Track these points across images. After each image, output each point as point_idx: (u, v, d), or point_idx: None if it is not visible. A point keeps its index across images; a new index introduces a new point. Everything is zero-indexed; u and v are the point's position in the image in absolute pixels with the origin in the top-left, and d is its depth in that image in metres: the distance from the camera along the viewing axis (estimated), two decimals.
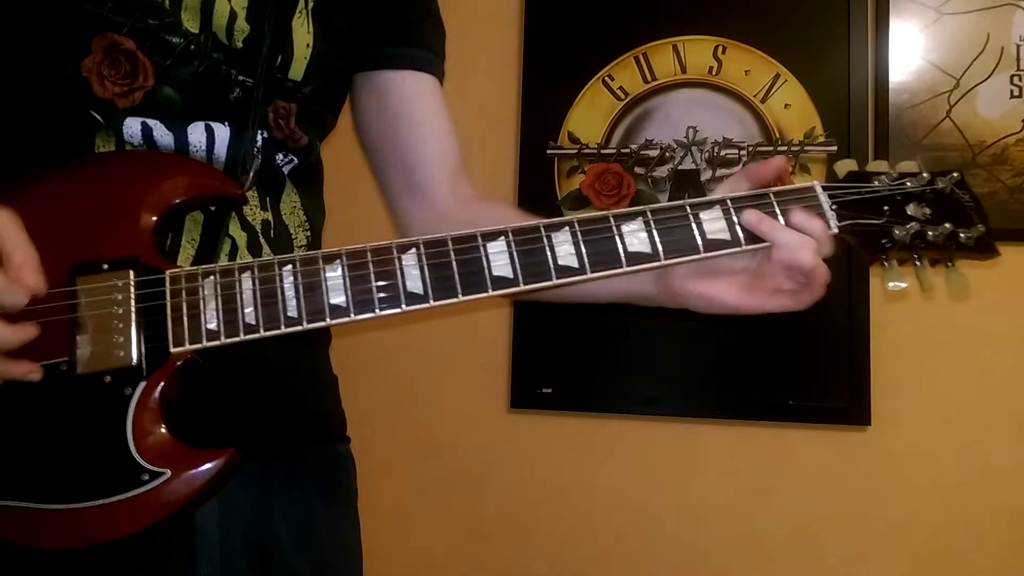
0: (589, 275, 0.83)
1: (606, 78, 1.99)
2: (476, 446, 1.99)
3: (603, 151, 1.97)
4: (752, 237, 0.85)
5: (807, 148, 1.90)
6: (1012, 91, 1.83)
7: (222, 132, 0.89)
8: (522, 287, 0.82)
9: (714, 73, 1.95)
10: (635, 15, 1.99)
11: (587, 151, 1.98)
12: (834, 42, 1.91)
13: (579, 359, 1.95)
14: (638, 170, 1.96)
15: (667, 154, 1.95)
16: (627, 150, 1.96)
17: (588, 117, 1.98)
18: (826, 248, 0.85)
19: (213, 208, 0.88)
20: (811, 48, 1.92)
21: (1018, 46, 1.84)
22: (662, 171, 1.95)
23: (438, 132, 1.06)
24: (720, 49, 1.95)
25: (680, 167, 1.94)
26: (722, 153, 1.93)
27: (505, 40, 2.05)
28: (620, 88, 1.98)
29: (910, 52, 1.88)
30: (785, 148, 1.90)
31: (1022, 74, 1.83)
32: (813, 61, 1.91)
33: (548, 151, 1.99)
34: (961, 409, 1.82)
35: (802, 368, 1.86)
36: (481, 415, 2.00)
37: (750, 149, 1.92)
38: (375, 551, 1.98)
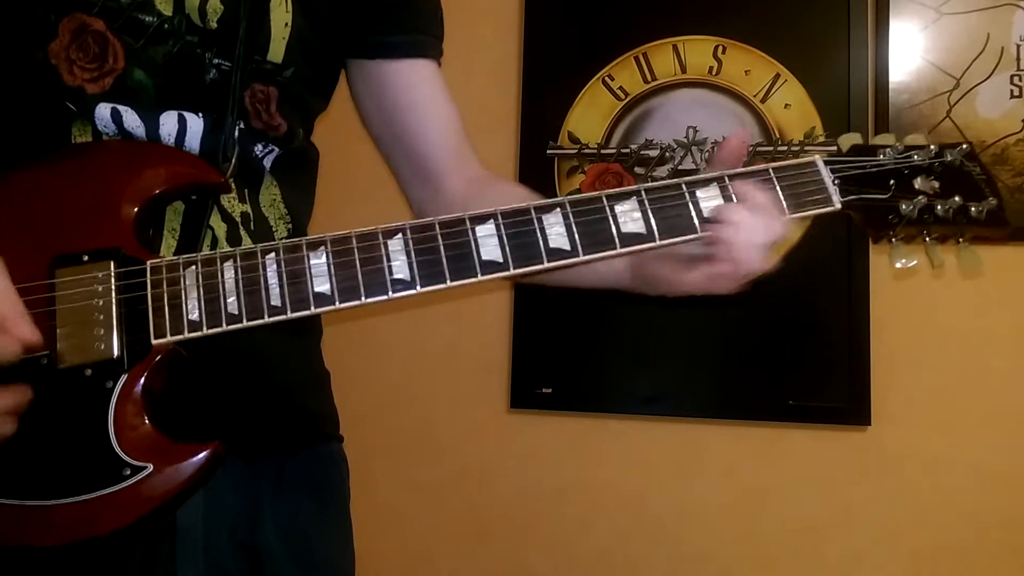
0: (581, 258, 0.80)
1: (606, 78, 1.99)
2: (476, 446, 1.99)
3: (603, 151, 1.97)
4: None
5: (807, 148, 1.90)
6: (1012, 91, 1.83)
7: (195, 123, 0.87)
8: (512, 271, 0.80)
9: (714, 73, 1.95)
10: (635, 15, 1.99)
11: (587, 151, 1.98)
12: (834, 42, 1.91)
13: (579, 359, 1.95)
14: (638, 170, 1.96)
15: (667, 154, 1.95)
16: (627, 150, 1.96)
17: (588, 117, 1.98)
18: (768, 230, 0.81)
19: (194, 197, 0.86)
20: (811, 48, 1.92)
21: (1018, 46, 1.84)
22: (662, 171, 1.95)
23: (437, 119, 1.04)
24: (720, 49, 1.95)
25: (680, 167, 1.94)
26: None
27: (505, 40, 2.05)
28: (620, 88, 1.98)
29: (910, 52, 1.88)
30: (785, 148, 1.90)
31: (1022, 74, 1.83)
32: (813, 61, 1.91)
33: (548, 151, 1.99)
34: (961, 409, 1.82)
35: (802, 368, 1.86)
36: (481, 415, 1.99)
37: (750, 149, 1.92)
38: (374, 551, 1.99)
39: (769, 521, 1.87)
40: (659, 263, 0.86)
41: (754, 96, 1.93)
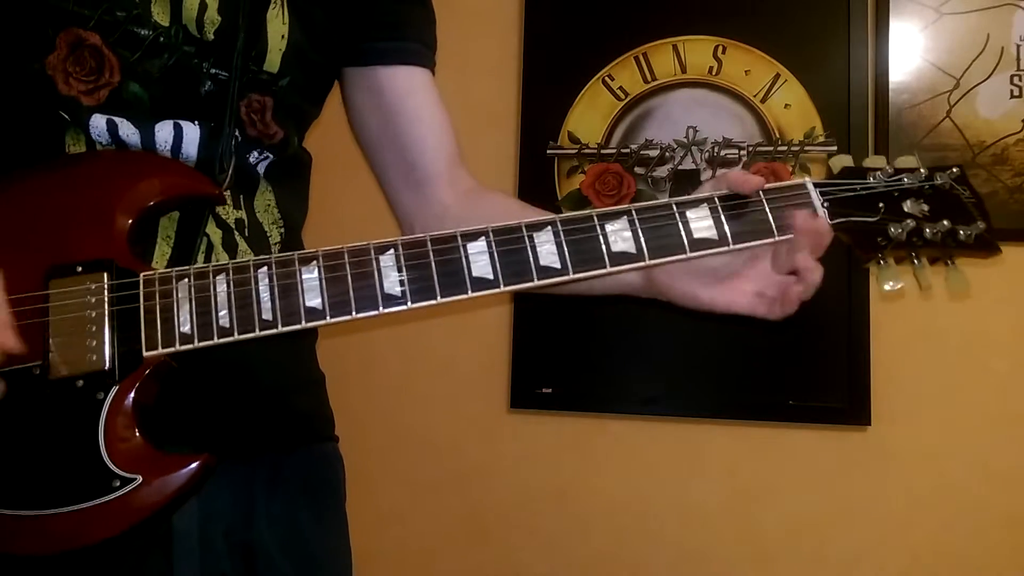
0: (571, 276, 0.81)
1: (606, 78, 1.99)
2: (476, 446, 1.99)
3: (603, 151, 1.97)
4: (739, 236, 0.83)
5: (807, 148, 1.90)
6: (1012, 91, 1.83)
7: (191, 131, 0.87)
8: (502, 289, 0.81)
9: (714, 73, 1.95)
10: (635, 15, 1.99)
11: (587, 151, 1.98)
12: (834, 42, 1.90)
13: (579, 359, 1.95)
14: (638, 170, 1.96)
15: (667, 154, 1.95)
16: (627, 150, 1.96)
17: (588, 117, 1.98)
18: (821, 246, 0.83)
19: (190, 207, 0.86)
20: (811, 48, 1.92)
21: (1018, 46, 1.84)
22: (662, 171, 1.95)
23: (433, 127, 1.04)
24: (720, 49, 1.95)
25: (680, 167, 1.94)
26: (722, 153, 1.92)
27: (505, 40, 2.05)
28: (620, 88, 1.98)
29: (910, 52, 1.88)
30: (785, 148, 1.90)
31: (1022, 74, 1.83)
32: (813, 61, 1.91)
33: (548, 151, 1.99)
34: (961, 409, 1.82)
35: (802, 368, 1.86)
36: (481, 415, 2.00)
37: (750, 149, 1.92)
38: (374, 551, 1.99)
39: (769, 521, 1.87)
40: (677, 278, 0.86)
41: (754, 96, 1.93)
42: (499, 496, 1.97)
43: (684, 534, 1.90)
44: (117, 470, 0.74)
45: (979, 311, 1.82)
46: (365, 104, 1.04)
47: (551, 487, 1.95)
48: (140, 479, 0.74)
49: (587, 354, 1.95)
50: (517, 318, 1.98)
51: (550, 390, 1.95)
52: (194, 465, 0.76)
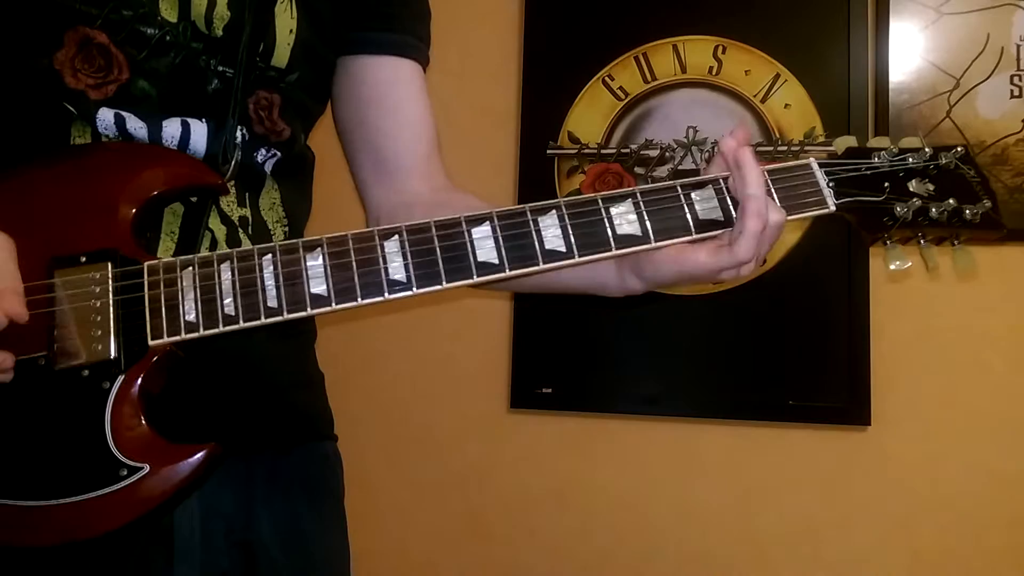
0: (577, 259, 0.81)
1: (606, 78, 1.99)
2: (476, 446, 1.99)
3: (603, 151, 1.97)
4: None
5: (807, 148, 1.90)
6: (1012, 91, 1.83)
7: (199, 128, 0.87)
8: (508, 273, 0.80)
9: (714, 73, 1.95)
10: (635, 15, 1.99)
11: (587, 151, 1.98)
12: (834, 42, 1.91)
13: (579, 359, 1.95)
14: (638, 170, 1.96)
15: (667, 154, 1.95)
16: (627, 150, 1.96)
17: (588, 117, 1.98)
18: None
19: (194, 200, 0.86)
20: (811, 48, 1.92)
21: (1018, 46, 1.84)
22: (662, 171, 1.95)
23: (410, 120, 1.03)
24: (720, 49, 1.95)
25: (680, 167, 1.94)
26: None
27: (505, 40, 2.05)
28: (620, 88, 1.98)
29: (910, 52, 1.88)
30: (785, 148, 1.90)
31: (1022, 74, 1.83)
32: (813, 61, 1.91)
33: (548, 151, 1.99)
34: (961, 409, 1.82)
35: (802, 368, 1.86)
36: (481, 415, 2.00)
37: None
38: (374, 550, 1.99)
39: (769, 521, 1.87)
40: (659, 263, 0.85)
41: (754, 96, 1.93)
42: (499, 496, 1.97)
43: (684, 534, 1.90)
44: (124, 459, 0.74)
45: (980, 311, 1.82)
46: (346, 92, 1.03)
47: (551, 487, 1.95)
48: (147, 468, 0.74)
49: (587, 354, 1.95)
50: (517, 318, 1.98)
51: (550, 390, 1.95)
52: (201, 454, 0.75)
